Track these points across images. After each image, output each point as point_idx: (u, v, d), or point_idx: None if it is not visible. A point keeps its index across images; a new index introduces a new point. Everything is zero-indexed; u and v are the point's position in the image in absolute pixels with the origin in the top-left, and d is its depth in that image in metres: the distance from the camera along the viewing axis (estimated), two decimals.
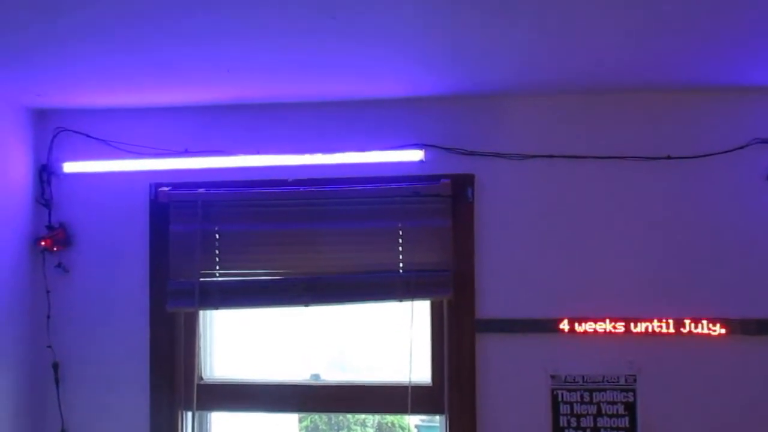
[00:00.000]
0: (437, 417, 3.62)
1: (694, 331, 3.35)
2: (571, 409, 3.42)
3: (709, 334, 3.34)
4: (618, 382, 3.41)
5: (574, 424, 3.42)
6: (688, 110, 3.41)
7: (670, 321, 3.36)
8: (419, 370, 3.57)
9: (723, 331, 3.34)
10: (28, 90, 3.33)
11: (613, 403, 3.41)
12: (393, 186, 3.48)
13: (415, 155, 3.49)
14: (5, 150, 3.50)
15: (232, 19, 2.41)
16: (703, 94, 3.38)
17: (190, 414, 3.62)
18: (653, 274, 3.40)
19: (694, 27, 2.53)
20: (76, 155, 3.66)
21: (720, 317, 3.35)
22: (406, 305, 3.49)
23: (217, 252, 3.55)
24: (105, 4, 2.25)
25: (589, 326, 3.40)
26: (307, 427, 4.27)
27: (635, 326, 3.37)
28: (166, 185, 3.59)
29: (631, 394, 3.40)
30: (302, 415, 4.04)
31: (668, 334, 3.36)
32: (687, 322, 3.35)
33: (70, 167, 3.65)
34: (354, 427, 4.25)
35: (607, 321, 3.39)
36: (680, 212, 3.41)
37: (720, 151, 3.37)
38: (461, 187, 3.48)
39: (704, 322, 3.35)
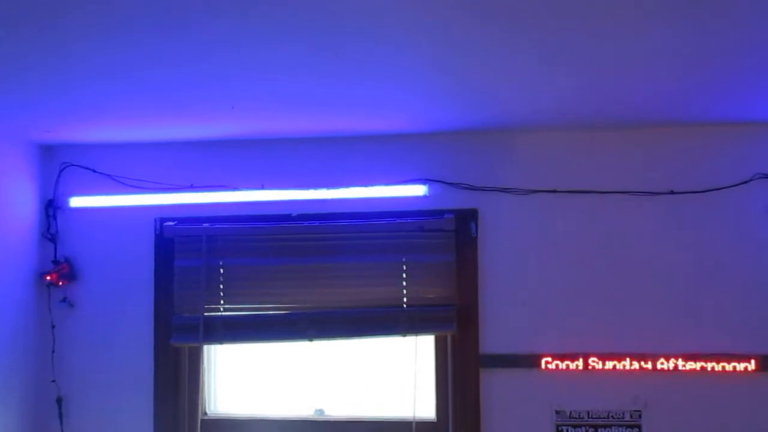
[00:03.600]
0: None
1: (699, 366, 3.34)
2: None
3: (715, 369, 3.33)
4: (623, 417, 3.39)
5: None
6: (690, 145, 3.42)
7: (675, 356, 3.35)
8: (424, 406, 3.56)
9: (727, 366, 3.32)
10: (35, 126, 3.36)
11: None
12: (397, 221, 3.49)
13: (419, 190, 3.51)
14: (12, 185, 3.53)
15: (238, 57, 2.43)
16: (705, 130, 3.40)
17: None
18: (658, 309, 3.39)
19: (696, 64, 2.54)
20: (82, 190, 3.69)
21: (723, 353, 3.34)
22: (410, 340, 3.49)
23: (221, 287, 3.56)
24: (112, 45, 2.27)
25: (593, 361, 3.39)
26: None
27: (639, 361, 3.36)
28: (172, 220, 3.61)
29: (636, 429, 3.38)
30: None
31: (673, 369, 3.35)
32: (692, 357, 3.34)
33: (76, 202, 3.68)
34: None
35: (612, 356, 3.39)
36: (683, 247, 3.41)
37: (723, 186, 3.38)
38: (465, 222, 3.49)
39: (708, 357, 3.34)
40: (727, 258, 3.37)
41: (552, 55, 2.45)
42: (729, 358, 3.33)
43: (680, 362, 3.35)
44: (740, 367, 3.31)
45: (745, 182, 3.36)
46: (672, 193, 3.40)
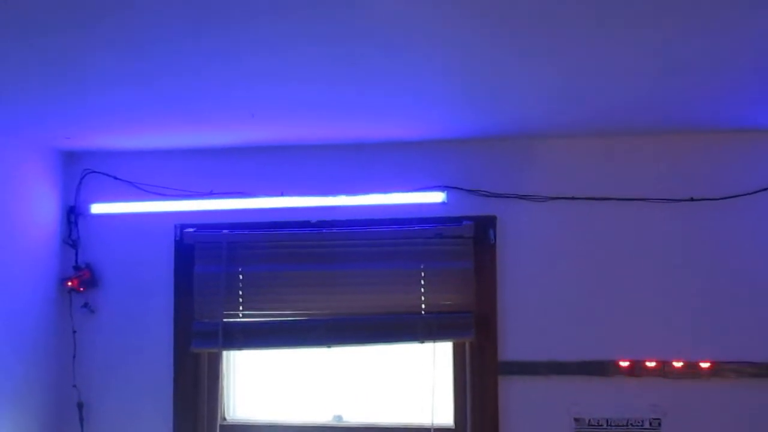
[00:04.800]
0: None
1: (719, 374, 3.32)
2: None
3: (735, 377, 3.31)
4: (642, 425, 3.37)
5: None
6: (711, 152, 3.41)
7: (695, 364, 3.34)
8: (441, 412, 3.56)
9: (748, 374, 3.30)
10: (57, 132, 3.39)
11: None
12: (415, 228, 3.50)
13: (438, 197, 3.51)
14: (35, 191, 3.57)
15: (257, 66, 2.45)
16: (726, 136, 3.38)
17: None
18: (677, 317, 3.38)
19: (717, 70, 2.53)
20: (103, 196, 3.73)
21: (746, 360, 3.32)
22: (428, 347, 3.49)
23: (240, 293, 3.58)
24: (130, 50, 2.29)
25: (612, 369, 3.38)
26: None
27: (659, 369, 3.35)
28: (191, 226, 3.64)
29: None
30: None
31: (693, 377, 3.34)
32: (711, 365, 3.32)
33: (97, 208, 3.72)
34: None
35: (632, 364, 3.37)
36: (704, 254, 3.39)
37: (743, 193, 3.36)
38: (483, 229, 3.49)
39: (730, 365, 3.31)
40: (748, 265, 3.35)
41: (570, 62, 2.45)
42: (751, 366, 3.30)
43: (700, 370, 3.32)
44: (762, 374, 3.28)
45: (766, 189, 3.34)
46: (692, 200, 3.38)
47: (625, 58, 2.42)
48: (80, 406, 3.67)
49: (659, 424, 3.36)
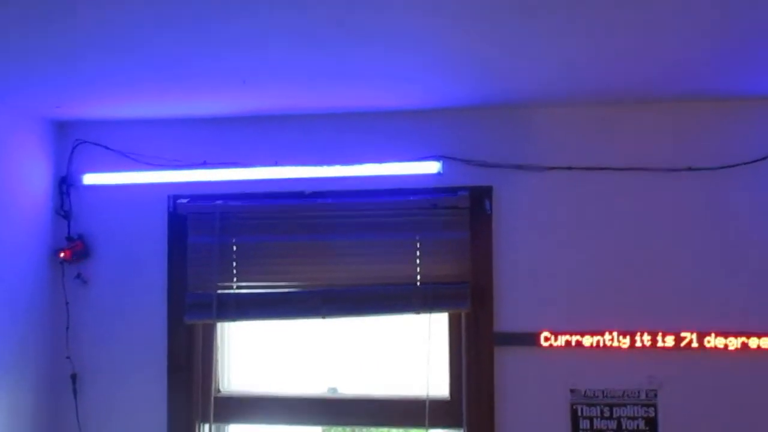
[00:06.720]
0: (455, 431, 3.58)
1: (717, 345, 3.30)
2: (591, 424, 3.38)
3: (732, 348, 3.29)
4: (639, 396, 3.36)
5: None
6: (709, 121, 3.37)
7: (692, 335, 3.32)
8: (437, 384, 3.54)
9: (746, 344, 3.28)
10: (48, 102, 3.35)
11: (634, 418, 3.36)
12: (410, 198, 3.47)
13: (433, 167, 3.48)
14: (26, 162, 3.53)
15: (248, 29, 2.41)
16: (724, 105, 3.34)
17: (207, 426, 3.61)
18: (674, 287, 3.36)
19: (716, 38, 2.50)
20: (96, 167, 3.69)
21: (743, 331, 3.29)
22: (424, 318, 3.47)
23: (234, 264, 3.55)
24: (121, 17, 2.26)
25: (609, 340, 3.36)
26: None
27: (656, 340, 3.33)
28: (185, 197, 3.61)
29: (651, 409, 3.35)
30: (320, 428, 4.01)
31: (690, 348, 3.32)
32: (709, 335, 3.30)
33: (89, 179, 3.68)
34: None
35: (628, 335, 3.35)
36: (701, 224, 3.36)
37: (742, 162, 3.32)
38: (479, 199, 3.46)
39: (726, 336, 3.30)
40: (745, 235, 3.32)
41: (566, 28, 2.42)
42: (750, 336, 3.28)
43: (697, 341, 3.31)
44: (760, 345, 3.27)
45: (765, 158, 3.31)
46: (690, 169, 3.35)
47: (623, 28, 2.39)
48: (74, 377, 3.65)
49: (655, 395, 3.35)
